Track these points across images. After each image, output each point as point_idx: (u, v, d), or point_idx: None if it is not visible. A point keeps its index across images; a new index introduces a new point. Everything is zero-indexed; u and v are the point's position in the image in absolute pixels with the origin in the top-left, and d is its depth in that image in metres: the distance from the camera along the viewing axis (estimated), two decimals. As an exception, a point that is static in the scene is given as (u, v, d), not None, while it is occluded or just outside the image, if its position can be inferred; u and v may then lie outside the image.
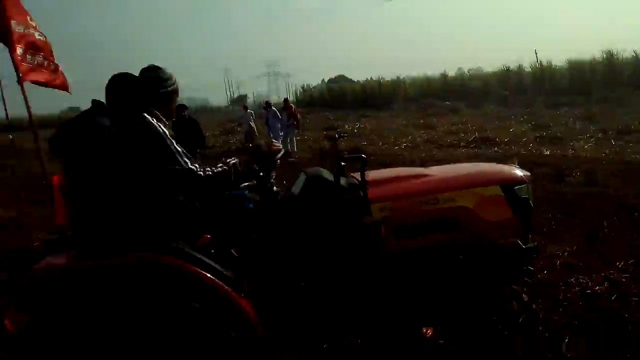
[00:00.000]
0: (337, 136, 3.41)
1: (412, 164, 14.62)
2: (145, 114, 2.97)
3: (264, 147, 3.40)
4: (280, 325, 3.01)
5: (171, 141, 2.95)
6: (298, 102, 51.52)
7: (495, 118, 24.81)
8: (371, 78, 51.03)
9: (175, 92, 3.28)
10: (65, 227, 2.99)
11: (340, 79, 67.03)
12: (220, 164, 3.11)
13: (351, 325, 3.28)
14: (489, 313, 3.19)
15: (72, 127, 2.97)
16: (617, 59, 34.98)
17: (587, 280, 5.30)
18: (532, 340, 3.37)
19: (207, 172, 2.98)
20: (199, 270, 2.69)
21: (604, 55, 35.32)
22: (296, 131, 19.80)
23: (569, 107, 26.76)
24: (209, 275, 2.71)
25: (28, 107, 3.75)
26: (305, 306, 3.12)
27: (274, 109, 19.54)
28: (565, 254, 6.17)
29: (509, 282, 3.60)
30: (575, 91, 31.52)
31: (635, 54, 33.89)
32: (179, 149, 2.95)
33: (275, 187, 3.41)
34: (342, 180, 3.31)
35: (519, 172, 3.71)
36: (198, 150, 11.11)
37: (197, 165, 2.98)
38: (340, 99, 47.21)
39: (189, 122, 10.87)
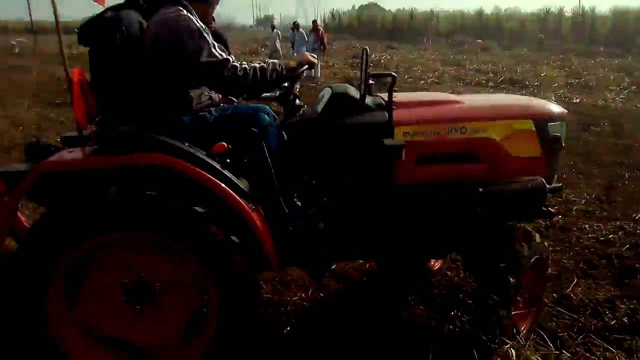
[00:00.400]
0: (367, 49, 3.20)
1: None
2: (181, 7, 2.82)
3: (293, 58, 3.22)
4: (291, 241, 2.96)
5: (208, 33, 2.76)
6: (326, 27, 50.25)
7: (527, 61, 24.01)
8: (403, 9, 49.45)
9: None
10: (83, 123, 2.93)
11: (372, 6, 64.85)
12: (259, 61, 2.91)
13: (362, 248, 3.25)
14: (500, 250, 3.14)
15: (102, 17, 2.88)
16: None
17: (602, 229, 5.28)
18: (538, 280, 3.38)
19: (244, 66, 2.79)
20: (209, 175, 2.62)
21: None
22: (322, 56, 19.41)
23: (606, 57, 25.78)
24: (218, 181, 2.64)
25: (56, 12, 3.64)
26: (318, 223, 3.07)
27: (302, 31, 19.04)
28: (583, 201, 6.12)
29: (526, 220, 3.55)
30: (615, 42, 30.24)
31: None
32: (216, 43, 2.78)
33: (298, 101, 3.31)
34: (369, 99, 3.15)
35: (555, 108, 3.47)
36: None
37: (234, 57, 2.80)
38: (369, 27, 45.78)
39: (215, 35, 10.62)
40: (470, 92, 15.16)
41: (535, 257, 3.19)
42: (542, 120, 3.29)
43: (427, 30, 40.74)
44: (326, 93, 3.26)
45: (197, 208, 2.57)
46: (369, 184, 3.15)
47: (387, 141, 3.01)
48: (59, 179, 2.60)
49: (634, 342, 3.18)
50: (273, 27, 20.45)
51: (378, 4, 68.69)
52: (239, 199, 2.69)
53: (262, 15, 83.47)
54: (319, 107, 3.19)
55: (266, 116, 3.04)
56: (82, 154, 2.71)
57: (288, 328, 3.51)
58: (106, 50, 2.81)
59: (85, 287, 2.71)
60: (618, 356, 2.98)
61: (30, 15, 28.99)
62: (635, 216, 5.68)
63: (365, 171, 3.13)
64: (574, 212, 5.72)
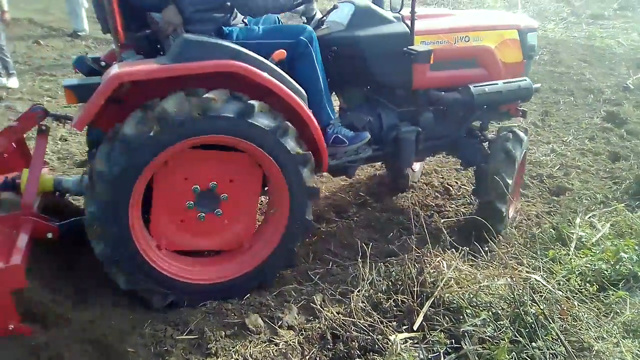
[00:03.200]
0: None
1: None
2: None
3: None
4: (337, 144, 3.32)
5: None
6: None
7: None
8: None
9: None
10: (122, 37, 2.89)
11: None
12: None
13: (384, 150, 3.65)
14: (498, 150, 3.67)
15: None
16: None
17: (536, 151, 5.49)
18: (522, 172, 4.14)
19: None
20: (277, 82, 2.81)
21: None
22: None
23: (546, -14, 25.97)
24: (285, 88, 2.84)
25: None
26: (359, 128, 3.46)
27: None
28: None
29: (506, 118, 4.21)
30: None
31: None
32: None
33: (319, 14, 3.48)
34: (386, 13, 3.54)
35: (532, 21, 4.10)
36: None
37: None
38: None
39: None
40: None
41: (524, 150, 3.81)
42: (524, 30, 3.90)
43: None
44: (346, 7, 3.52)
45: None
46: (394, 91, 3.64)
47: (419, 47, 3.38)
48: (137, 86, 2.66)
49: (557, 250, 3.38)
50: None
51: None
52: (303, 105, 2.93)
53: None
54: (345, 21, 3.45)
55: (310, 28, 3.20)
56: (156, 63, 2.68)
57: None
58: None
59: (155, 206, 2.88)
60: (542, 264, 3.17)
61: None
62: (567, 139, 5.93)
63: (391, 78, 3.59)
64: (510, 137, 5.91)
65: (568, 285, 2.96)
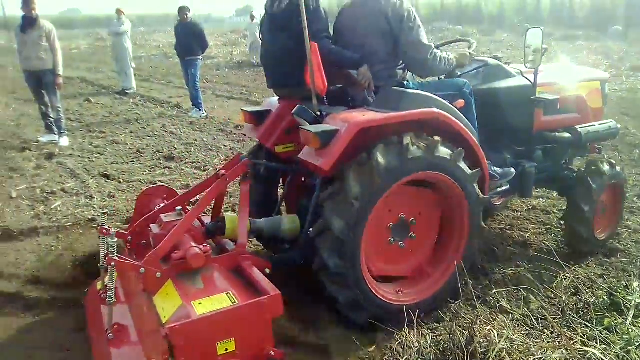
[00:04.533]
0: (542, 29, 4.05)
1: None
2: None
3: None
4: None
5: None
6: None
7: (507, 46, 24.09)
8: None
9: None
10: (323, 90, 3.45)
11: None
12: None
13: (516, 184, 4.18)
14: (581, 182, 4.32)
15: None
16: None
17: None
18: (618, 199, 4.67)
19: (439, 54, 3.60)
20: (463, 127, 3.40)
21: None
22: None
23: (585, 40, 25.95)
24: (468, 132, 3.43)
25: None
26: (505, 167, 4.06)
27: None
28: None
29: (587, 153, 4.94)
30: (594, 25, 30.43)
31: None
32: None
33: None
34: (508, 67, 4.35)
35: (606, 74, 5.15)
36: (200, 56, 10.80)
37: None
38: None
39: (191, 25, 10.51)
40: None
41: (612, 181, 4.40)
42: (603, 82, 4.80)
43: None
44: (475, 64, 4.24)
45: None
46: (517, 133, 4.29)
47: (547, 96, 4.11)
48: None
49: (613, 319, 3.23)
50: (252, 18, 20.25)
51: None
52: (478, 146, 3.50)
53: (242, 6, 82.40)
54: (480, 76, 4.22)
55: (468, 82, 3.87)
56: (377, 114, 3.17)
57: None
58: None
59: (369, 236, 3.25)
60: (598, 334, 3.03)
61: (3, 10, 28.60)
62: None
63: (517, 123, 4.22)
64: (555, 194, 5.78)
65: (628, 359, 2.81)
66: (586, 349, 2.72)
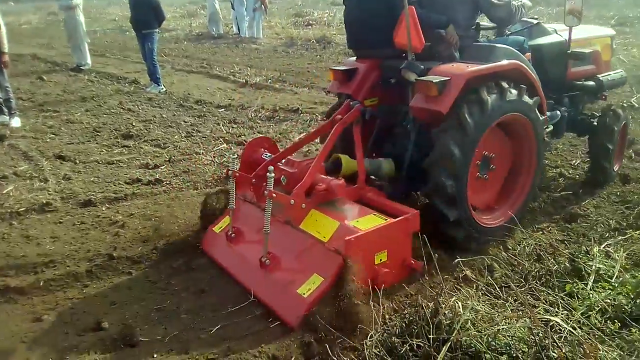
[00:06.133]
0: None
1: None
2: None
3: None
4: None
5: None
6: (266, -14, 48.78)
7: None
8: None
9: None
10: (420, 48, 3.88)
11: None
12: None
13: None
14: (604, 123, 5.01)
15: None
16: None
17: (545, 176, 5.40)
18: (623, 138, 5.46)
19: (515, 4, 4.25)
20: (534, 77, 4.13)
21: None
22: (263, 16, 18.88)
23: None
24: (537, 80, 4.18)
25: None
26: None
27: (240, -10, 18.35)
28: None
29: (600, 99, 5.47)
30: None
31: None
32: None
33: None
34: (547, 26, 5.14)
35: (613, 31, 5.85)
36: (157, 29, 10.43)
37: None
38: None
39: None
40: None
41: (623, 122, 5.14)
42: (612, 38, 5.62)
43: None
44: (521, 24, 4.87)
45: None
46: (551, 82, 4.72)
47: (587, 50, 4.87)
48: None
49: (574, 285, 3.28)
50: (211, -13, 19.64)
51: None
52: (541, 91, 4.17)
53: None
54: (527, 34, 4.77)
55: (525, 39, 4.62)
56: (476, 65, 3.73)
57: None
58: None
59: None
60: (560, 300, 3.07)
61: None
62: (574, 162, 5.87)
63: (554, 73, 4.85)
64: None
65: (588, 324, 2.85)
66: (548, 316, 2.75)
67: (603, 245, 3.81)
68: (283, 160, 3.96)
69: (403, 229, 3.37)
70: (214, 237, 4.12)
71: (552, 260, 3.65)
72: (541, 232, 4.28)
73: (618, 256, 3.59)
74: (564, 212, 4.66)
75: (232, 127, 7.73)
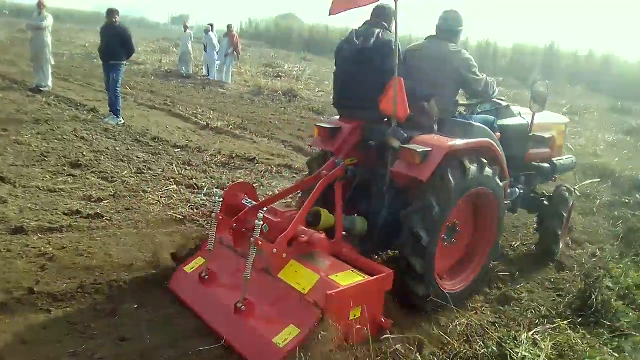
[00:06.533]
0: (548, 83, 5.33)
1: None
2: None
3: None
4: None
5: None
6: (242, 32, 49.75)
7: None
8: (320, 22, 50.12)
9: None
10: (404, 118, 4.10)
11: (290, 17, 64.91)
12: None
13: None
14: (558, 199, 5.59)
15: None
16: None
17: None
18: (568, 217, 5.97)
19: (489, 81, 4.66)
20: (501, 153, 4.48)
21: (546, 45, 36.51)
22: (234, 62, 19.12)
23: (505, 87, 27.46)
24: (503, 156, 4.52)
25: None
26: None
27: (212, 34, 18.53)
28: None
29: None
30: (515, 74, 32.32)
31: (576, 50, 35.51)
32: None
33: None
34: (514, 108, 5.54)
35: (567, 118, 6.57)
36: (124, 61, 10.39)
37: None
38: (286, 37, 46.03)
39: (119, 29, 10.10)
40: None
41: (571, 202, 5.73)
42: (566, 125, 6.21)
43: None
44: (490, 104, 5.30)
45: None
46: (516, 163, 5.17)
47: (545, 134, 5.38)
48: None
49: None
50: (185, 27, 19.88)
51: (295, 14, 68.79)
52: (505, 167, 4.55)
53: (177, 14, 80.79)
54: (494, 114, 5.23)
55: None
56: (454, 140, 4.00)
57: None
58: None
59: None
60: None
61: None
62: (514, 244, 6.01)
63: (517, 152, 5.16)
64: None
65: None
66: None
67: (531, 332, 3.85)
68: (265, 209, 3.97)
69: (378, 287, 3.52)
70: (184, 277, 4.09)
71: (480, 342, 3.67)
72: (474, 312, 4.31)
73: (544, 345, 3.63)
74: (499, 293, 4.73)
75: (185, 169, 7.62)
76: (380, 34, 4.24)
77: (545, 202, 5.62)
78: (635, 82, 32.65)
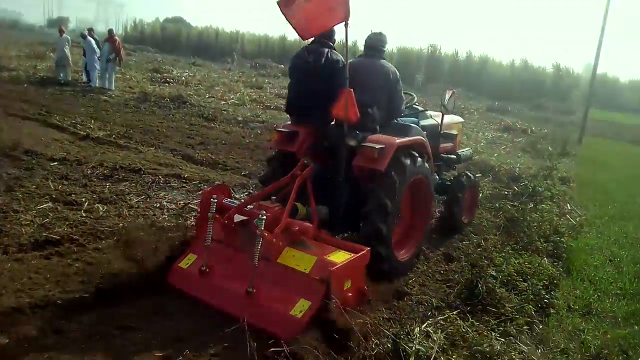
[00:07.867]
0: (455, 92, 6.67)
1: (234, 120, 14.39)
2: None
3: None
4: None
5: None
6: (127, 37, 47.64)
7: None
8: (210, 26, 49.28)
9: None
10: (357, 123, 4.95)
11: (178, 20, 63.04)
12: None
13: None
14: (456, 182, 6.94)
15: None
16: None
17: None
18: (475, 197, 7.50)
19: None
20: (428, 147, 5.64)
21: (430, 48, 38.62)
22: (117, 68, 18.19)
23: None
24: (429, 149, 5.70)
25: None
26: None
27: (91, 39, 17.44)
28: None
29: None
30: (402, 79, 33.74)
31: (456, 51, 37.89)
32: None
33: None
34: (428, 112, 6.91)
35: (461, 118, 8.18)
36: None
37: None
38: (173, 42, 44.79)
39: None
40: (268, 116, 15.51)
41: (471, 183, 6.99)
42: (462, 123, 7.85)
43: (232, 50, 41.03)
44: (409, 109, 6.45)
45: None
46: (434, 155, 6.17)
47: (451, 130, 6.82)
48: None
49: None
50: (62, 32, 18.56)
51: (184, 18, 67.01)
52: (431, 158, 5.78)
53: (55, 16, 75.62)
54: (414, 117, 6.42)
55: None
56: (400, 139, 5.10)
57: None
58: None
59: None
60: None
61: None
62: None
63: (432, 149, 5.89)
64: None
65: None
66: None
67: (424, 325, 3.95)
68: (251, 205, 4.64)
69: (361, 262, 4.24)
70: (182, 273, 4.47)
71: (377, 340, 3.69)
72: (369, 311, 4.34)
73: (437, 337, 3.74)
74: (393, 288, 4.82)
75: (63, 184, 7.02)
76: (329, 54, 5.25)
77: (449, 184, 6.85)
78: (509, 82, 35.47)
